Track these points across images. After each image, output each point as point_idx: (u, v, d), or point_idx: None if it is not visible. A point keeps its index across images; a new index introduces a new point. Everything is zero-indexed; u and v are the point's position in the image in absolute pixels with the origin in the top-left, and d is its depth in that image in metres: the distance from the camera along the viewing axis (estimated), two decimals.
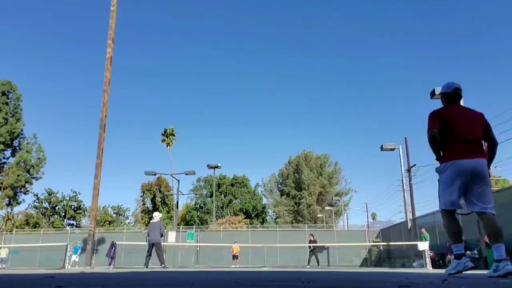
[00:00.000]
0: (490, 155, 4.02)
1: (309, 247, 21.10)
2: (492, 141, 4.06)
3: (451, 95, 4.16)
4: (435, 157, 4.12)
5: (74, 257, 23.08)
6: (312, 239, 20.96)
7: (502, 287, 2.62)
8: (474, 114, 4.09)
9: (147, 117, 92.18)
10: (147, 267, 12.15)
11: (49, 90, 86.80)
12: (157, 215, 12.95)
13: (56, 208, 53.28)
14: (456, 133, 3.91)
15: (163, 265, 12.28)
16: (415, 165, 28.32)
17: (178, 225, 30.59)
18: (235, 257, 24.40)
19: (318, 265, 20.38)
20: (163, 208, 51.00)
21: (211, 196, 49.09)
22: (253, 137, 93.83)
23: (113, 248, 17.17)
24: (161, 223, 12.77)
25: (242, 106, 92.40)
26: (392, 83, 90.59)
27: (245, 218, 47.44)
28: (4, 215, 44.51)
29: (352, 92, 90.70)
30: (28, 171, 39.21)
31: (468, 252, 14.23)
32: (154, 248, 12.30)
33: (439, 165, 4.06)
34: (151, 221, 12.97)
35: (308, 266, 19.40)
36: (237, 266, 22.41)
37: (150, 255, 12.44)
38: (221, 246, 28.11)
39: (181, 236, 28.36)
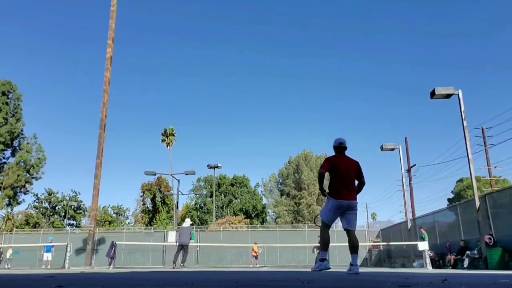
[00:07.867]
0: (358, 191, 5.79)
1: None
2: (361, 184, 5.81)
3: (336, 148, 5.88)
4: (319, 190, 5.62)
5: (46, 256, 22.06)
6: None
7: (502, 287, 2.63)
8: (351, 162, 5.76)
9: (147, 117, 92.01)
10: (175, 263, 14.75)
11: (49, 90, 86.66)
12: (188, 221, 15.41)
13: (56, 208, 53.21)
14: (340, 179, 5.58)
15: (182, 264, 14.66)
16: (415, 165, 28.38)
17: (178, 225, 30.56)
18: (255, 257, 25.06)
19: None
20: (163, 208, 50.93)
21: (211, 196, 49.10)
22: (253, 137, 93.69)
23: (113, 248, 17.17)
24: (191, 228, 15.52)
25: (242, 106, 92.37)
26: (392, 83, 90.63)
27: (245, 218, 47.36)
28: (4, 215, 44.48)
29: (352, 92, 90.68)
30: (28, 171, 39.22)
31: (468, 252, 14.23)
32: (182, 249, 14.67)
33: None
34: (182, 225, 15.44)
35: None
36: (256, 265, 23.49)
37: (178, 255, 14.74)
38: (221, 246, 28.13)
39: None
